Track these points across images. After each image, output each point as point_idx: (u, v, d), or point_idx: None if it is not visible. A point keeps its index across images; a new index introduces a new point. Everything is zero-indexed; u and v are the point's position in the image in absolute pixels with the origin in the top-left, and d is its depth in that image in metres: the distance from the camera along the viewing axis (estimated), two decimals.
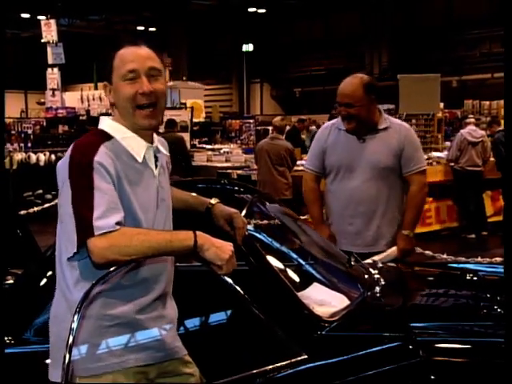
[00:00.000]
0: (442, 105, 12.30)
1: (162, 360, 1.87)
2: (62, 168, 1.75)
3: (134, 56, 1.83)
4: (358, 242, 3.34)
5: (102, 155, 1.73)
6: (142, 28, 28.50)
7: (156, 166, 1.89)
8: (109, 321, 1.77)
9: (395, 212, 3.40)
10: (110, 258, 1.64)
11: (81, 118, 12.85)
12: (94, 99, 13.08)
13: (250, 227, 2.23)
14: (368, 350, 2.12)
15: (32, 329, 2.23)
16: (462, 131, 9.25)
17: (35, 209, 6.16)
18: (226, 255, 1.69)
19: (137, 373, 1.81)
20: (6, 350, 2.22)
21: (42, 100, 15.62)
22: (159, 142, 1.96)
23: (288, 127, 15.99)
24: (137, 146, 1.84)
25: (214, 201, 2.11)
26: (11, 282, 2.83)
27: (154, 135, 1.93)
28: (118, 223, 1.66)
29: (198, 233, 1.70)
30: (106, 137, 1.82)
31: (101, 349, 1.77)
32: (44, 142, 12.01)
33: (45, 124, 12.85)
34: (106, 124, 1.87)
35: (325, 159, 3.46)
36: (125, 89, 1.82)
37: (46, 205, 7.60)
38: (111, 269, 1.66)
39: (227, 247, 1.71)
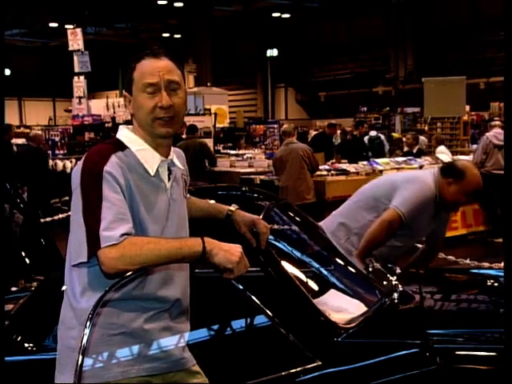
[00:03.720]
0: (467, 107, 12.16)
1: (167, 371, 1.86)
2: (75, 175, 1.78)
3: (154, 69, 1.83)
4: None
5: (113, 165, 1.74)
6: (167, 35, 28.77)
7: (169, 179, 1.88)
8: (113, 329, 1.78)
9: None
10: (120, 268, 1.65)
11: (106, 125, 12.96)
12: (119, 106, 13.14)
13: None
14: (384, 357, 2.11)
15: (53, 335, 2.24)
16: (487, 134, 9.13)
17: (60, 216, 6.23)
18: (236, 257, 1.69)
19: (140, 382, 1.80)
20: (28, 357, 2.26)
21: (70, 107, 15.81)
22: (176, 155, 1.95)
23: (315, 132, 15.95)
24: (150, 159, 1.84)
25: (233, 207, 2.11)
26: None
27: (172, 148, 1.93)
28: (124, 234, 1.66)
29: (205, 238, 1.70)
30: (120, 147, 1.83)
31: (104, 357, 1.77)
32: (71, 149, 12.20)
33: (71, 131, 13.04)
34: (123, 134, 1.88)
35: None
36: (144, 102, 1.83)
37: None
38: (123, 276, 1.67)
39: (236, 249, 1.70)
